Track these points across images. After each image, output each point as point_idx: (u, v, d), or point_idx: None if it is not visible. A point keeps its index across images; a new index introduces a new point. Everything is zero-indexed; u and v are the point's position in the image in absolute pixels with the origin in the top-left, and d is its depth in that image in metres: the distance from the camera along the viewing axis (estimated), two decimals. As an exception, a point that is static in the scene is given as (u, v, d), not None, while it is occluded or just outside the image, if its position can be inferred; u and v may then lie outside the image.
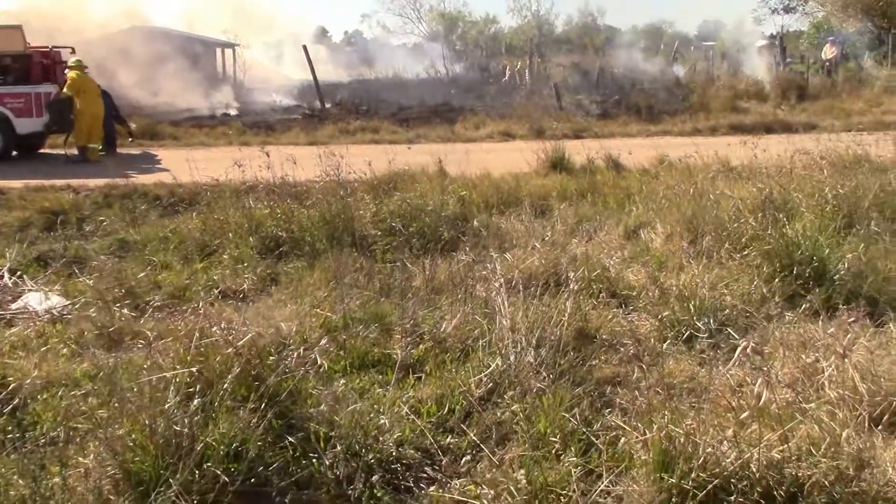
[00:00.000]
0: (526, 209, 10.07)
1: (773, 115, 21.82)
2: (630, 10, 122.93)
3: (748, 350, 4.20)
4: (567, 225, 9.36)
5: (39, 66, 16.93)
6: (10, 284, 7.48)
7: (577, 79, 29.64)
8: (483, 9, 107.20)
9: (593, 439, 4.34)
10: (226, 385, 4.22)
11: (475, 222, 9.31)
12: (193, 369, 4.26)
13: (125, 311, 6.39)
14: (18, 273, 8.18)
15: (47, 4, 27.38)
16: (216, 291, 7.31)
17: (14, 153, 17.14)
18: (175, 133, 21.26)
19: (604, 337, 5.93)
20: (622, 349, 5.70)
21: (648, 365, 5.29)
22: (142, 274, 7.38)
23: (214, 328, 4.46)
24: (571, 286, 6.07)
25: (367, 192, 10.05)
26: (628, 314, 6.56)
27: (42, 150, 18.44)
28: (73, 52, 18.09)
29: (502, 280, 5.84)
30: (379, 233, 8.47)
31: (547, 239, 8.28)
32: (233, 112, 27.03)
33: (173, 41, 31.92)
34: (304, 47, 27.03)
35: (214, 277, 7.63)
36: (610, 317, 6.26)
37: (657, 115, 22.59)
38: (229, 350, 4.45)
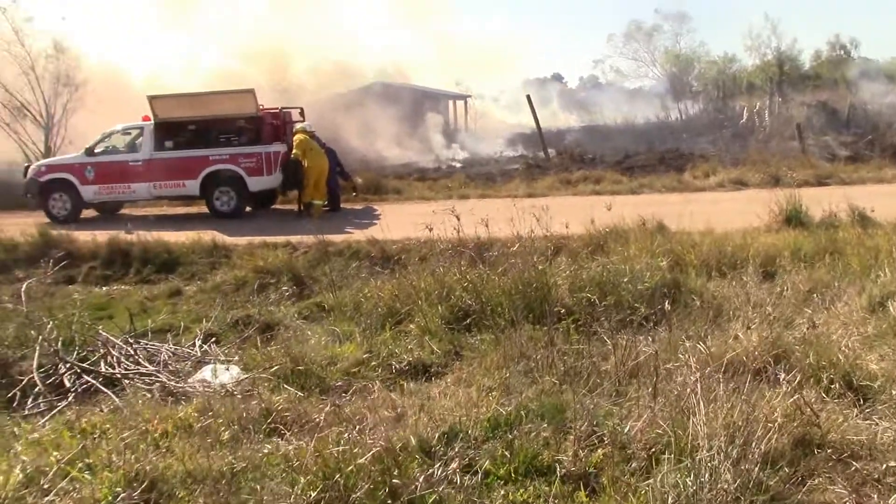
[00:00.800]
0: (750, 273, 8.91)
1: None
2: (890, 39, 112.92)
3: None
4: (798, 293, 8.11)
5: (270, 126, 17.85)
6: (199, 353, 7.48)
7: (824, 118, 27.25)
8: (721, 48, 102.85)
9: None
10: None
11: (688, 289, 8.29)
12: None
13: (292, 390, 6.08)
14: (214, 339, 8.26)
15: (275, 65, 29.21)
16: (397, 366, 6.88)
17: (248, 209, 18.16)
18: (399, 186, 21.65)
19: (831, 447, 4.78)
20: (855, 465, 4.57)
21: (889, 489, 4.18)
22: (318, 347, 7.09)
23: (346, 433, 3.92)
24: (792, 375, 5.05)
25: (570, 255, 9.32)
26: (867, 415, 5.32)
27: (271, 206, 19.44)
28: (302, 112, 18.99)
29: (698, 374, 4.88)
30: (574, 303, 7.70)
31: (770, 311, 7.15)
32: (457, 164, 27.32)
33: (406, 96, 33.08)
34: (528, 97, 26.87)
35: (397, 350, 7.21)
36: (841, 420, 5.08)
37: (919, 157, 20.05)
38: (365, 458, 3.90)
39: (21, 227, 15.31)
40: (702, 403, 4.72)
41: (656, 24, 58.70)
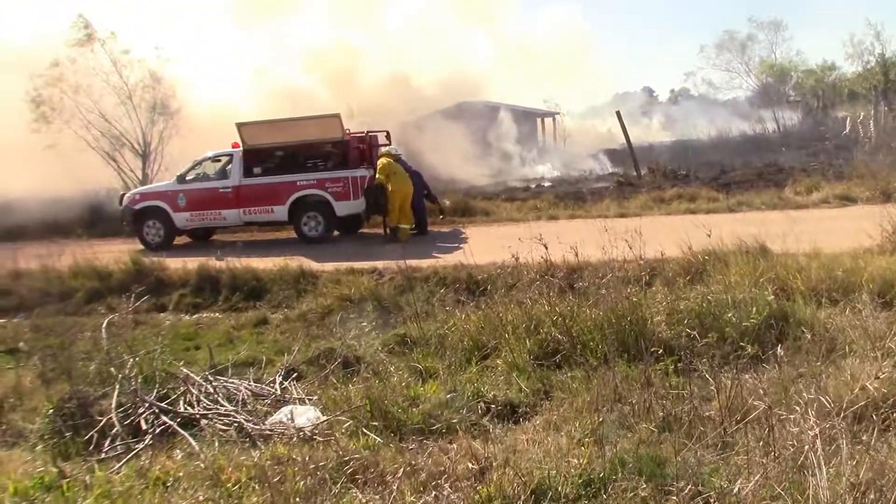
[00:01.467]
0: (865, 300, 8.18)
1: None
2: None
3: None
4: (922, 324, 7.38)
5: (356, 150, 17.82)
6: (279, 391, 7.26)
7: (936, 127, 25.73)
8: (819, 55, 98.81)
9: None
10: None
11: (796, 320, 7.65)
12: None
13: (372, 435, 5.77)
14: (295, 374, 8.05)
15: (350, 85, 29.26)
16: (482, 406, 6.51)
17: (335, 234, 18.12)
18: (487, 208, 21.31)
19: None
20: None
21: None
22: (399, 387, 6.76)
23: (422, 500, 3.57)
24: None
25: (665, 282, 8.77)
26: None
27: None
28: (388, 136, 18.88)
29: (817, 429, 4.34)
30: (671, 337, 7.17)
31: (893, 347, 6.48)
32: (547, 183, 26.88)
33: (494, 115, 32.83)
34: (618, 113, 26.27)
35: (482, 388, 6.83)
36: None
37: None
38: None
39: (116, 254, 15.60)
40: (822, 460, 4.20)
41: (751, 34, 57.17)
